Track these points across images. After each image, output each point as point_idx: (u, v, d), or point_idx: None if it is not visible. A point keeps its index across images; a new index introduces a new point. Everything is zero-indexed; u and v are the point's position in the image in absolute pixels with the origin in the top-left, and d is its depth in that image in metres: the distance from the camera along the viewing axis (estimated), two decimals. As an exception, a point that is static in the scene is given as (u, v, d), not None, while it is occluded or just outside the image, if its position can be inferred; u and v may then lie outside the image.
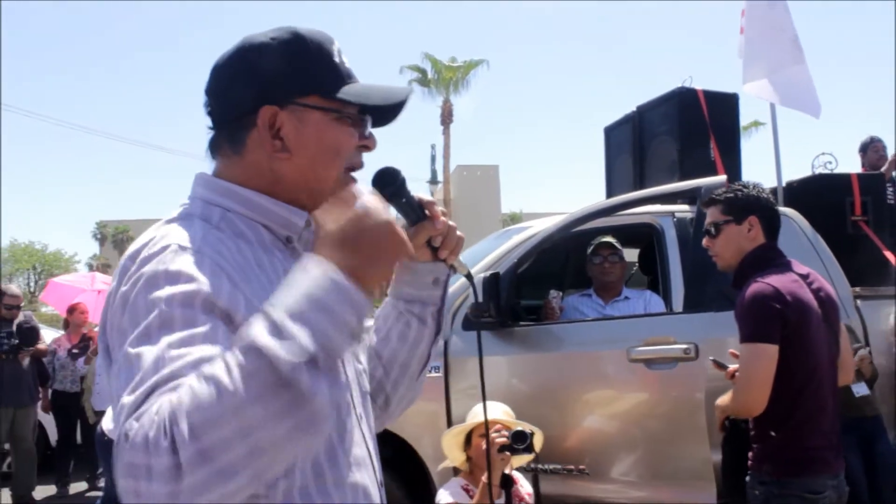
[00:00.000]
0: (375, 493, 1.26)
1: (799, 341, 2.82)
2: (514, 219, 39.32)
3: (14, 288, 7.90)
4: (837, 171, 5.70)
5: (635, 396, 4.22)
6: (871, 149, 6.77)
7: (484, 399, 1.62)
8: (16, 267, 47.64)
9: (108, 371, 1.10)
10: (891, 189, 6.33)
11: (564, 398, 4.25)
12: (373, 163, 1.37)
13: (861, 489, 4.14)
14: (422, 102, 34.88)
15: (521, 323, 4.47)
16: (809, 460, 2.85)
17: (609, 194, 6.17)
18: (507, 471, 3.21)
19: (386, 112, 1.32)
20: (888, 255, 5.10)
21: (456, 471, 3.65)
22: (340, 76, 1.26)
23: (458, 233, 1.42)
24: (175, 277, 1.05)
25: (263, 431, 0.89)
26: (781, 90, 5.91)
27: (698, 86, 5.61)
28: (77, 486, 8.08)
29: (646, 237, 5.09)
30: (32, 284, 46.38)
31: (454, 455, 3.44)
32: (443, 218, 1.39)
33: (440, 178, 34.31)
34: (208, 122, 1.29)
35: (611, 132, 6.43)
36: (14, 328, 7.25)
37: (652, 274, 5.44)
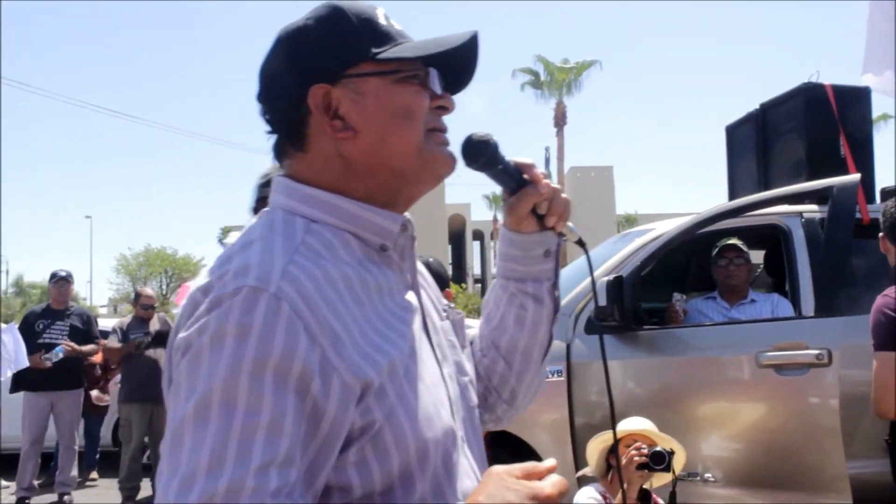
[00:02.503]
0: None
1: None
2: (630, 220, 38.72)
3: (149, 290, 8.32)
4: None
5: (765, 403, 4.11)
6: None
7: (612, 408, 1.45)
8: (150, 271, 50.22)
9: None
10: None
11: (690, 404, 4.18)
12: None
13: None
14: (535, 105, 34.76)
15: (645, 327, 4.42)
16: None
17: (732, 195, 6.01)
18: (646, 486, 3.19)
19: (456, 68, 1.16)
20: None
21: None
22: (390, 37, 1.11)
23: (563, 195, 1.28)
24: (245, 334, 0.91)
25: None
26: None
27: (826, 80, 5.40)
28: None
29: (772, 238, 4.94)
30: (165, 287, 48.76)
31: (595, 461, 3.41)
32: (546, 181, 1.26)
33: (554, 180, 34.24)
34: (266, 128, 1.15)
35: (733, 131, 6.25)
36: (150, 328, 7.65)
37: (777, 276, 5.27)
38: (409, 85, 1.10)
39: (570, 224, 1.30)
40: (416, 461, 1.00)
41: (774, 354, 3.97)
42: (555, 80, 35.12)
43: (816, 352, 3.90)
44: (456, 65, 1.15)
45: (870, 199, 4.98)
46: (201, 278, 1.02)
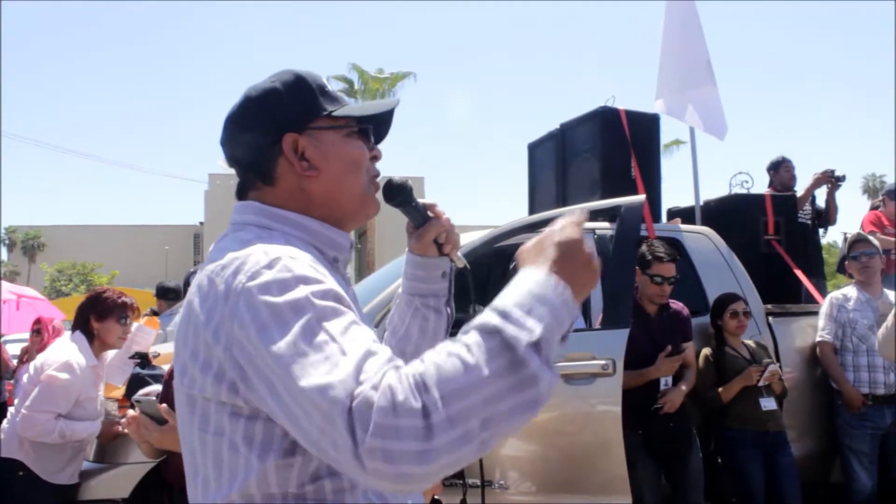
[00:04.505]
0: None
1: None
2: (440, 231, 39.33)
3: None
4: (753, 189, 5.89)
5: (555, 411, 4.24)
6: (782, 168, 7.01)
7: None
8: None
9: (213, 384, 1.19)
10: (804, 210, 6.59)
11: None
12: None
13: (759, 501, 4.28)
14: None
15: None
16: None
17: (532, 210, 6.21)
18: (436, 496, 3.20)
19: (381, 125, 1.49)
20: (798, 273, 5.28)
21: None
22: (338, 100, 1.44)
23: (456, 231, 1.64)
24: (304, 280, 1.15)
25: (497, 405, 1.01)
26: (690, 110, 6.05)
27: (621, 105, 5.69)
28: None
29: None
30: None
31: None
32: (444, 216, 1.61)
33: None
34: (233, 171, 1.44)
35: (535, 149, 6.46)
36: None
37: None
38: (355, 139, 1.42)
39: (459, 253, 1.63)
40: None
41: (564, 365, 4.11)
42: (368, 90, 35.11)
43: (602, 362, 4.08)
44: (381, 122, 1.48)
45: (657, 217, 5.31)
46: (204, 268, 1.23)
